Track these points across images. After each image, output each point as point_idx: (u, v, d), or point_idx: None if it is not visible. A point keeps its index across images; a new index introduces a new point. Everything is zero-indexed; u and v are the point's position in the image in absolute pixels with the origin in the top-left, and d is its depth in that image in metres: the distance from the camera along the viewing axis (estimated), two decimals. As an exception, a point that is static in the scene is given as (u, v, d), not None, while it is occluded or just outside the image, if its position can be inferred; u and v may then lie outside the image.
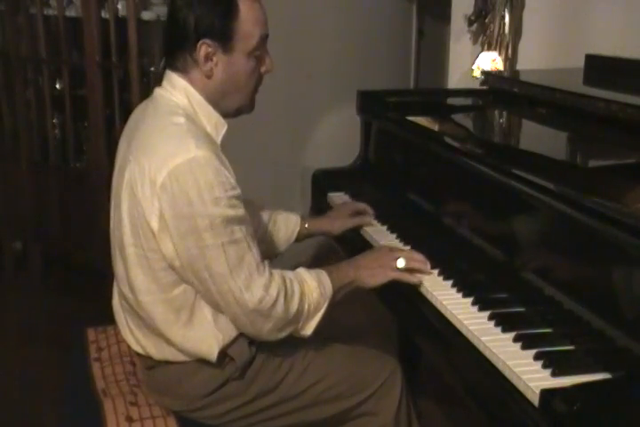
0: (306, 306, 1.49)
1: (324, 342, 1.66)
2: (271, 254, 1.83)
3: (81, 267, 3.39)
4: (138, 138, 1.47)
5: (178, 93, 1.48)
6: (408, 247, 1.78)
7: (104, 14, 3.04)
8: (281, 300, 1.44)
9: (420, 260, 1.62)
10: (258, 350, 1.56)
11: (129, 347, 1.79)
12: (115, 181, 1.53)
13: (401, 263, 1.60)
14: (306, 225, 1.93)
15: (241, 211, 1.42)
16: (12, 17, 3.31)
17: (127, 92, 3.05)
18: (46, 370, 2.66)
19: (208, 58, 1.45)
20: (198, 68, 1.47)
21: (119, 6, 3.02)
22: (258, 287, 1.42)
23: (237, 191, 1.42)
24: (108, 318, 1.88)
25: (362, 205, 2.00)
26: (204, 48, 1.44)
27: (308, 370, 1.60)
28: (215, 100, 1.51)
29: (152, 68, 3.07)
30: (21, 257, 3.66)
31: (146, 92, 3.06)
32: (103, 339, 1.85)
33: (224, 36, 1.44)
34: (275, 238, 1.86)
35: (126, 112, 3.05)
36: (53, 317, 3.20)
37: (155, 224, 1.40)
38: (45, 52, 3.27)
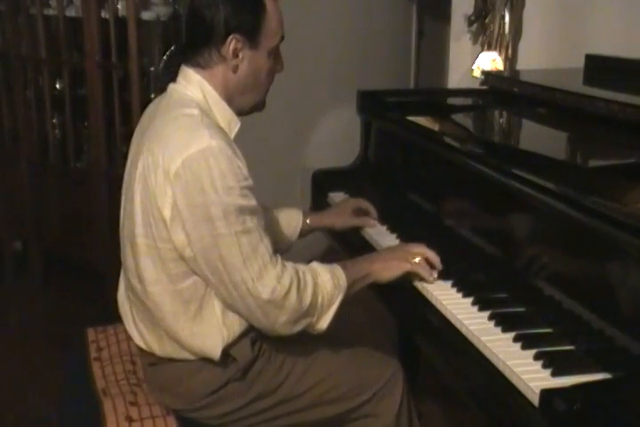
0: (319, 298, 1.47)
1: (326, 343, 1.65)
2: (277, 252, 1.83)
3: (81, 267, 3.39)
4: (151, 130, 1.48)
5: (193, 88, 1.50)
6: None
7: (104, 14, 3.04)
8: (294, 290, 1.43)
9: (435, 261, 1.62)
10: (260, 351, 1.55)
11: (129, 346, 1.79)
12: (127, 173, 1.54)
13: (416, 260, 1.61)
14: (307, 221, 1.92)
15: (253, 202, 1.43)
16: (12, 17, 3.31)
17: (127, 92, 3.05)
18: (46, 370, 2.65)
19: (236, 53, 1.48)
20: (224, 63, 1.49)
21: (119, 6, 3.01)
22: (270, 278, 1.41)
23: (250, 182, 1.43)
24: (108, 318, 1.89)
25: (365, 203, 1.99)
26: (233, 43, 1.47)
27: (309, 372, 1.60)
28: (232, 97, 1.52)
29: (152, 68, 3.07)
30: (21, 257, 3.66)
31: (146, 92, 3.06)
32: (103, 339, 1.85)
33: (252, 32, 1.48)
34: (278, 237, 1.85)
35: (126, 112, 3.06)
36: (53, 317, 3.20)
37: (167, 213, 1.40)
38: (45, 52, 3.27)
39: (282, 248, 1.86)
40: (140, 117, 3.22)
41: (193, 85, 1.50)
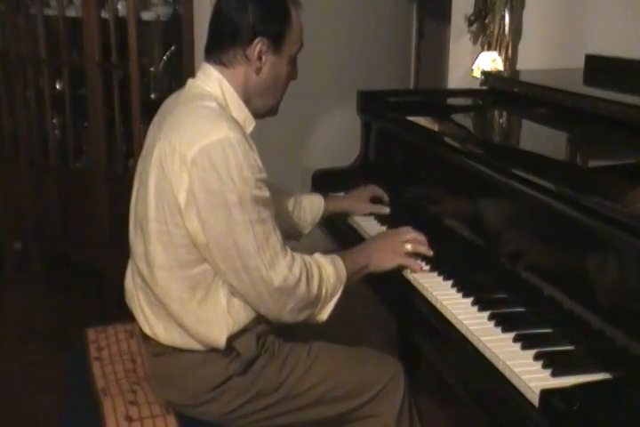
0: (324, 289, 1.53)
1: (328, 343, 1.66)
2: (297, 236, 1.98)
3: (81, 267, 3.39)
4: (169, 119, 1.51)
5: (212, 84, 1.54)
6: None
7: (104, 14, 3.04)
8: (303, 280, 1.48)
9: (424, 243, 1.70)
10: (263, 347, 1.57)
11: (129, 345, 1.80)
12: (141, 160, 1.57)
13: (408, 247, 1.69)
14: (327, 206, 2.02)
15: (267, 194, 1.47)
16: (12, 17, 3.31)
17: (127, 92, 3.05)
18: (46, 370, 2.66)
19: (260, 55, 1.52)
20: (247, 64, 1.53)
21: (119, 6, 3.02)
22: (282, 267, 1.46)
23: (264, 175, 1.47)
24: (107, 318, 1.89)
25: (379, 191, 2.11)
26: (259, 45, 1.51)
27: (310, 370, 1.61)
28: (250, 98, 1.57)
29: (152, 68, 3.07)
30: (21, 257, 3.66)
31: (146, 92, 3.06)
32: (103, 339, 1.85)
33: (278, 38, 1.53)
34: (301, 221, 1.96)
35: (126, 112, 3.06)
36: (53, 317, 3.20)
37: (182, 199, 1.43)
38: (45, 52, 3.27)
39: (302, 233, 2.00)
40: (140, 117, 3.22)
41: (212, 81, 1.54)
